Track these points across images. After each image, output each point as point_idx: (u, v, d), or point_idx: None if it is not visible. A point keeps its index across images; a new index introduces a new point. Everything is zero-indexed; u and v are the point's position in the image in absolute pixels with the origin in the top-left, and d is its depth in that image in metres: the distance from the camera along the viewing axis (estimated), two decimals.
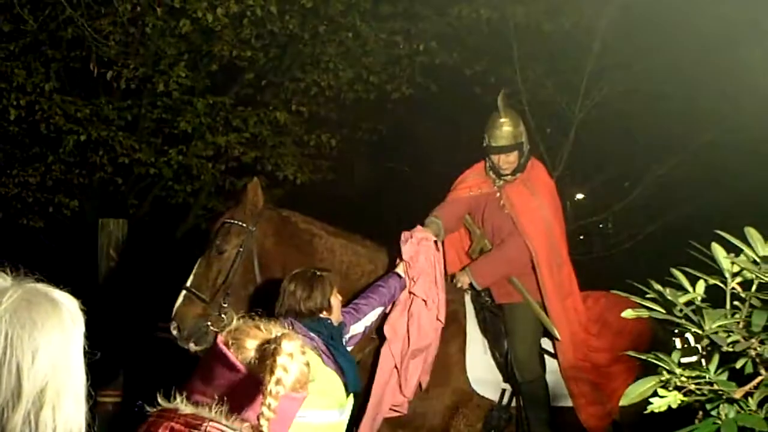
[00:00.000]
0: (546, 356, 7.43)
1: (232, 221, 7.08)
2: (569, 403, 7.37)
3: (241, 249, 6.99)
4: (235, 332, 2.69)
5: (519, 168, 7.59)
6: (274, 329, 2.67)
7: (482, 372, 7.23)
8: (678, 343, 7.03)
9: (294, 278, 5.98)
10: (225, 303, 6.91)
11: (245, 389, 2.56)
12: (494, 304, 7.47)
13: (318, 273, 6.04)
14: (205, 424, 2.49)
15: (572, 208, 17.75)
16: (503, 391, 7.27)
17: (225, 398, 2.54)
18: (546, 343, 7.49)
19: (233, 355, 2.61)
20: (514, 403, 7.27)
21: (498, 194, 7.63)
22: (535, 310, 7.36)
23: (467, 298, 7.53)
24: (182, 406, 2.57)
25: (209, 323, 6.84)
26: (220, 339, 2.69)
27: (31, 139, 13.66)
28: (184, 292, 6.98)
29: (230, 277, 6.97)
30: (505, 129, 7.50)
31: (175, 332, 6.90)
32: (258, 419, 2.48)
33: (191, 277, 7.01)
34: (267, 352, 2.55)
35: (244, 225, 7.05)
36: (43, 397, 2.24)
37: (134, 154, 13.37)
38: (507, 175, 7.60)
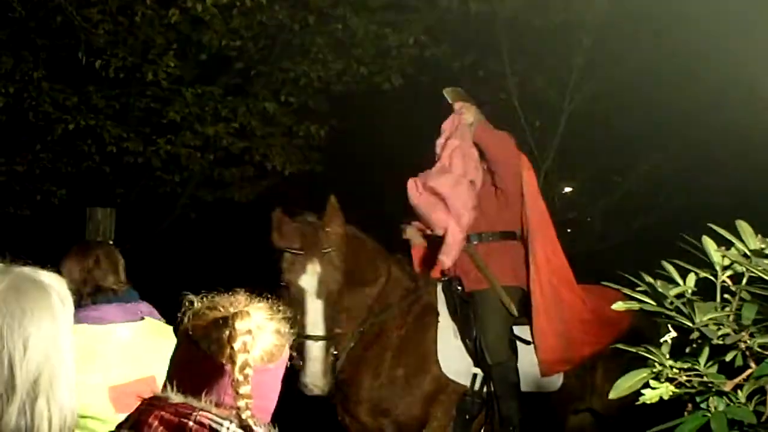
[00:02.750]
0: (519, 343, 7.53)
1: (332, 249, 7.04)
2: (542, 389, 7.51)
3: (339, 275, 7.04)
4: (200, 319, 2.68)
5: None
6: (231, 308, 2.64)
7: (454, 358, 7.34)
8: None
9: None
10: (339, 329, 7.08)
11: (218, 377, 2.57)
12: (464, 292, 7.57)
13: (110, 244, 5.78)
14: (195, 413, 2.50)
15: (560, 201, 17.75)
16: (474, 376, 7.36)
17: (204, 387, 2.56)
18: (519, 331, 7.58)
19: (202, 343, 2.62)
20: (486, 389, 7.35)
21: None
22: (499, 293, 7.49)
23: (439, 288, 7.69)
24: (172, 395, 2.57)
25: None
26: (188, 328, 2.69)
27: (18, 128, 13.61)
28: (321, 343, 6.89)
29: (338, 304, 7.04)
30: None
31: (317, 390, 6.85)
32: (238, 408, 2.48)
33: (321, 323, 6.88)
34: (224, 339, 2.55)
35: (337, 248, 7.06)
36: (37, 388, 2.23)
37: (122, 143, 13.36)
38: None
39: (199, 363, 2.60)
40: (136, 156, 13.76)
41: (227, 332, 2.54)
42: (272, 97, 14.39)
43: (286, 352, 2.72)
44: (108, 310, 4.70)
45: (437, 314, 7.51)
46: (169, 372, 2.69)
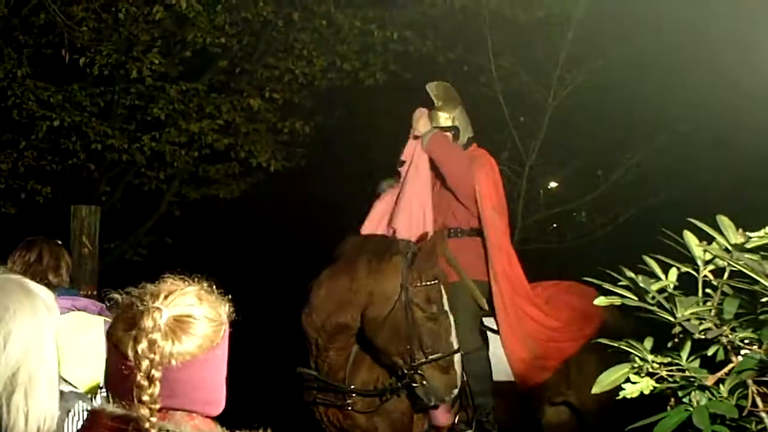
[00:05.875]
0: (489, 333, 7.64)
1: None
2: (511, 378, 7.59)
3: None
4: (119, 319, 2.54)
5: None
6: (150, 301, 2.49)
7: None
8: None
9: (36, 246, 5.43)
10: None
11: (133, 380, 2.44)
12: None
13: (59, 243, 5.63)
14: (130, 427, 2.39)
15: (545, 196, 17.76)
16: None
17: (130, 391, 2.42)
18: (489, 322, 7.70)
19: (121, 347, 2.48)
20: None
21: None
22: (470, 286, 7.60)
23: None
24: (110, 407, 2.46)
25: None
26: (110, 331, 2.56)
27: (2, 125, 13.57)
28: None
29: None
30: (438, 113, 7.99)
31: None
32: (138, 417, 2.38)
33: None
34: (132, 340, 2.43)
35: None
36: (15, 381, 2.22)
37: (107, 140, 13.32)
38: None
39: (123, 367, 2.46)
40: (120, 153, 13.74)
41: (134, 333, 2.44)
42: (257, 93, 14.39)
43: (223, 337, 2.59)
44: None
45: None
46: (104, 379, 2.60)
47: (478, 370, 7.38)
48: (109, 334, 2.56)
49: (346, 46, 14.57)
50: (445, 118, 7.96)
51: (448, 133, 7.92)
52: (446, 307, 7.05)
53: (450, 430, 7.47)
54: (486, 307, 7.61)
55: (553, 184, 19.05)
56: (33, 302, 2.34)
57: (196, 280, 2.63)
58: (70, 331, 4.53)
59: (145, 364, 2.38)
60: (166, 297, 2.52)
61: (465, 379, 7.35)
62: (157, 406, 2.38)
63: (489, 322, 7.64)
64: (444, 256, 7.61)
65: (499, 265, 7.68)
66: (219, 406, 2.60)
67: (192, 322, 2.51)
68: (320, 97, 15.72)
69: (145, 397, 2.37)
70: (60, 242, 5.62)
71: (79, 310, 4.75)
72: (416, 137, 7.77)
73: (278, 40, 14.43)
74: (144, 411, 2.36)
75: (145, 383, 2.37)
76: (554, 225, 18.33)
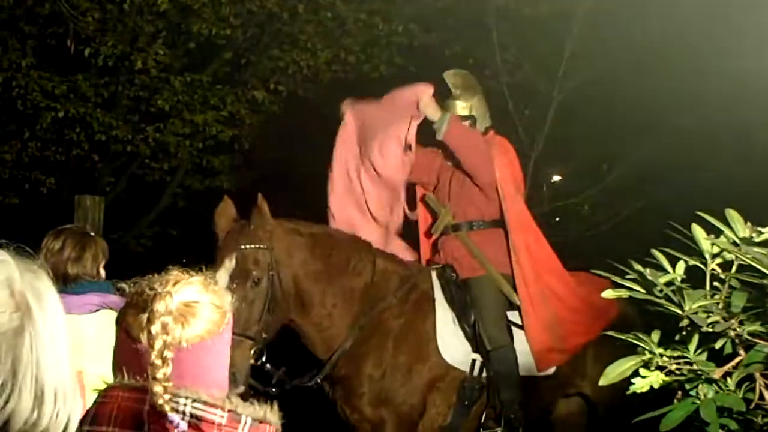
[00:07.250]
0: (514, 328, 7.53)
1: (253, 246, 6.80)
2: (535, 373, 7.52)
3: (272, 273, 6.80)
4: (129, 305, 2.66)
5: None
6: (159, 288, 2.59)
7: (453, 344, 7.32)
8: None
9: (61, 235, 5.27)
10: (266, 334, 6.78)
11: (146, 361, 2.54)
12: (459, 279, 7.55)
13: (91, 234, 5.49)
14: (148, 397, 2.50)
15: (549, 189, 17.75)
16: (473, 361, 7.35)
17: (143, 374, 2.53)
18: (512, 316, 7.58)
19: (132, 331, 2.59)
20: (484, 374, 7.35)
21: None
22: (498, 280, 7.51)
23: (434, 275, 7.63)
24: (125, 381, 2.58)
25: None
26: (119, 317, 2.67)
27: (7, 116, 13.58)
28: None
29: (268, 305, 6.77)
30: (455, 102, 7.91)
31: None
32: (154, 393, 2.46)
33: None
34: (144, 323, 2.53)
35: (265, 246, 6.83)
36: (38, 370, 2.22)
37: (111, 131, 13.32)
38: None
39: (134, 351, 2.58)
40: (124, 144, 13.74)
41: (146, 315, 2.54)
42: (261, 85, 14.39)
43: (227, 323, 2.70)
44: None
45: (434, 301, 7.47)
46: (113, 362, 2.68)
47: (505, 367, 7.28)
48: (119, 321, 2.66)
49: (351, 39, 14.56)
50: (461, 107, 7.84)
51: (465, 124, 7.77)
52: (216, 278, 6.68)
53: (479, 428, 7.45)
54: (517, 301, 7.48)
55: (557, 178, 19.04)
56: (53, 288, 2.35)
57: (199, 271, 2.74)
58: (100, 329, 4.52)
59: (158, 344, 2.49)
60: (174, 284, 2.63)
61: (492, 374, 7.33)
62: (170, 384, 2.48)
63: (513, 316, 7.56)
64: (468, 250, 7.59)
65: (522, 242, 7.59)
66: (223, 388, 2.70)
67: (200, 307, 2.63)
68: (325, 89, 15.71)
69: (159, 375, 2.47)
70: (92, 233, 5.46)
71: (109, 307, 4.71)
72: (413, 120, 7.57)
73: (283, 32, 14.42)
74: (158, 388, 2.47)
75: (159, 362, 2.48)
76: (558, 218, 18.28)
